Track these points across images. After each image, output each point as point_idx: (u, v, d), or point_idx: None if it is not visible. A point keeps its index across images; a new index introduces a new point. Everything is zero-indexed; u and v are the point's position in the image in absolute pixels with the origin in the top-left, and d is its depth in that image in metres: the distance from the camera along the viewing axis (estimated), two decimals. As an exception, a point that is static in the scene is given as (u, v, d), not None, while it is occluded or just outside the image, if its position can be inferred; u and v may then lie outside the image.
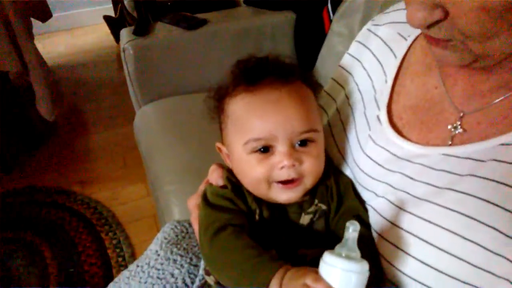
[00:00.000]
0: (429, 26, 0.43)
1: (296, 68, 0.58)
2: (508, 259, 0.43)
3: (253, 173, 0.55)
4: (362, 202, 0.58)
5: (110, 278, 1.45)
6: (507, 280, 0.42)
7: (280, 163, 0.53)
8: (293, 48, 1.59)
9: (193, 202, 0.64)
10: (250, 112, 0.54)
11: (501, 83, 0.49)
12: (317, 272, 0.42)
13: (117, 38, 3.04)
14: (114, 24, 2.99)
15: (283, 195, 0.55)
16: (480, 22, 0.40)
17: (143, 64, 1.46)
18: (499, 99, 0.49)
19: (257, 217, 0.56)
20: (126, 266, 1.49)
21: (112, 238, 1.60)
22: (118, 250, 1.55)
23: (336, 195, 0.58)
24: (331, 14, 1.48)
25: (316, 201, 0.57)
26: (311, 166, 0.54)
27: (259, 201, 0.56)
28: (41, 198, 1.82)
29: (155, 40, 1.49)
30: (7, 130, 2.13)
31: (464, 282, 0.45)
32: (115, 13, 3.07)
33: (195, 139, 1.25)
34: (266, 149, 0.54)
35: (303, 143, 0.54)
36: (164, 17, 1.59)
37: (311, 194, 0.57)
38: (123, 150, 2.07)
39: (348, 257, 0.41)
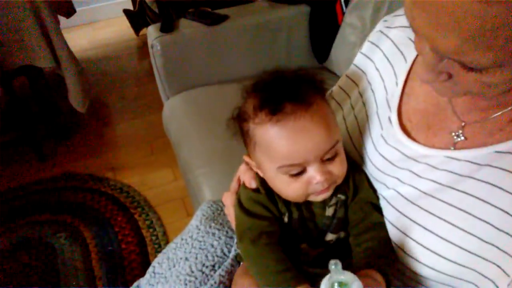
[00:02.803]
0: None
1: (308, 82, 0.62)
2: (498, 247, 0.51)
3: (290, 190, 0.61)
4: (375, 191, 0.66)
5: (145, 254, 1.60)
6: (495, 264, 0.52)
7: (315, 179, 0.59)
8: (308, 40, 1.69)
9: (229, 201, 0.72)
10: (280, 141, 0.57)
11: (497, 103, 0.55)
12: None
13: (137, 30, 3.15)
14: (134, 17, 3.10)
15: (319, 197, 0.62)
16: (478, 83, 0.47)
17: (170, 59, 1.58)
18: (496, 114, 0.55)
19: (286, 219, 0.64)
20: (159, 244, 1.63)
21: (145, 219, 1.75)
22: (151, 230, 1.69)
23: (352, 185, 0.65)
24: (343, 7, 1.57)
25: (338, 194, 0.64)
26: (339, 173, 0.61)
27: (288, 205, 0.64)
28: (77, 184, 1.97)
29: (180, 36, 1.60)
30: (41, 121, 2.28)
31: (460, 265, 0.54)
32: (134, 7, 3.18)
33: (220, 125, 1.34)
34: (299, 172, 0.59)
35: (330, 157, 0.60)
36: (187, 14, 1.69)
37: (334, 190, 0.63)
38: (150, 138, 2.20)
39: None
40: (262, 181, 0.65)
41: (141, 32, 3.10)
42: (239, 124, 0.63)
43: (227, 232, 0.86)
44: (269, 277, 0.58)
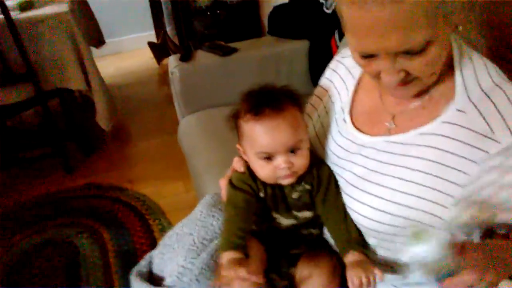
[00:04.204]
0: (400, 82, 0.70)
1: (286, 95, 0.82)
2: (427, 199, 0.72)
3: (263, 171, 0.82)
4: (336, 182, 0.85)
5: (157, 253, 1.79)
6: (429, 213, 0.72)
7: (280, 166, 0.79)
8: (307, 70, 1.93)
9: (223, 182, 0.93)
10: (257, 134, 0.79)
11: (415, 94, 0.76)
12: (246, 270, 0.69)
13: (158, 60, 3.46)
14: (157, 48, 3.42)
15: (285, 181, 0.82)
16: (426, 70, 0.68)
17: (187, 84, 1.83)
18: (414, 104, 0.78)
19: (262, 194, 0.85)
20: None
21: (158, 224, 1.96)
22: (163, 234, 1.88)
23: (317, 179, 0.84)
24: (338, 42, 1.81)
25: (303, 183, 0.84)
26: (299, 164, 0.81)
27: (264, 184, 0.84)
28: (98, 193, 2.20)
29: (196, 65, 1.86)
30: (69, 138, 2.54)
31: (402, 217, 0.74)
32: (157, 39, 3.50)
33: (225, 139, 1.56)
34: (269, 157, 0.80)
35: (293, 150, 0.80)
36: (203, 46, 1.96)
37: (299, 179, 0.83)
38: (165, 155, 2.44)
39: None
40: (248, 166, 0.87)
41: (163, 62, 3.41)
42: (235, 120, 0.84)
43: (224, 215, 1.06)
44: (225, 234, 0.80)
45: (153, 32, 3.57)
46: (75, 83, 2.18)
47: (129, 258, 1.79)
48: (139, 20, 3.69)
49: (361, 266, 0.74)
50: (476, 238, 0.70)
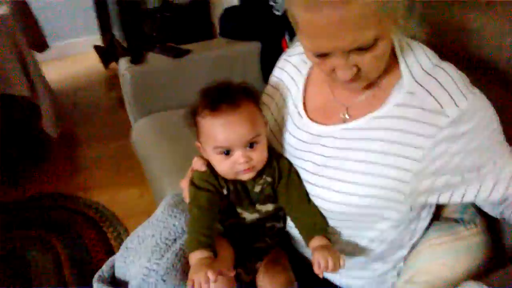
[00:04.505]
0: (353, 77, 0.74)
1: (243, 91, 0.84)
2: (383, 176, 0.78)
3: (222, 167, 0.83)
4: (297, 173, 0.88)
5: (114, 261, 1.75)
6: (389, 188, 0.79)
7: (238, 161, 0.81)
8: (259, 70, 1.96)
9: (185, 183, 0.94)
10: (215, 130, 0.81)
11: (364, 88, 0.82)
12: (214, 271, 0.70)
13: (106, 64, 3.37)
14: (103, 52, 3.33)
15: (244, 176, 0.84)
16: (375, 63, 0.73)
17: (138, 86, 1.80)
18: (363, 95, 0.83)
19: (225, 191, 0.87)
20: (127, 252, 1.79)
21: (113, 231, 1.91)
22: (119, 240, 1.85)
23: (277, 168, 0.87)
24: (288, 42, 1.86)
25: (264, 176, 0.86)
26: (258, 159, 0.83)
27: (226, 181, 0.85)
28: (50, 203, 2.11)
29: (148, 67, 1.83)
30: (13, 147, 2.42)
31: (363, 196, 0.79)
32: (103, 43, 3.41)
33: (181, 142, 1.58)
34: (227, 152, 0.81)
35: (251, 145, 0.82)
36: (154, 48, 1.94)
37: (260, 172, 0.86)
38: (117, 161, 2.38)
39: None
40: (208, 164, 0.88)
41: (110, 66, 3.32)
42: (192, 117, 0.85)
43: (186, 215, 1.06)
44: (191, 233, 0.81)
45: (98, 36, 3.47)
46: (18, 89, 2.08)
47: (85, 268, 1.74)
48: (83, 23, 3.56)
49: (327, 250, 0.77)
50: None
